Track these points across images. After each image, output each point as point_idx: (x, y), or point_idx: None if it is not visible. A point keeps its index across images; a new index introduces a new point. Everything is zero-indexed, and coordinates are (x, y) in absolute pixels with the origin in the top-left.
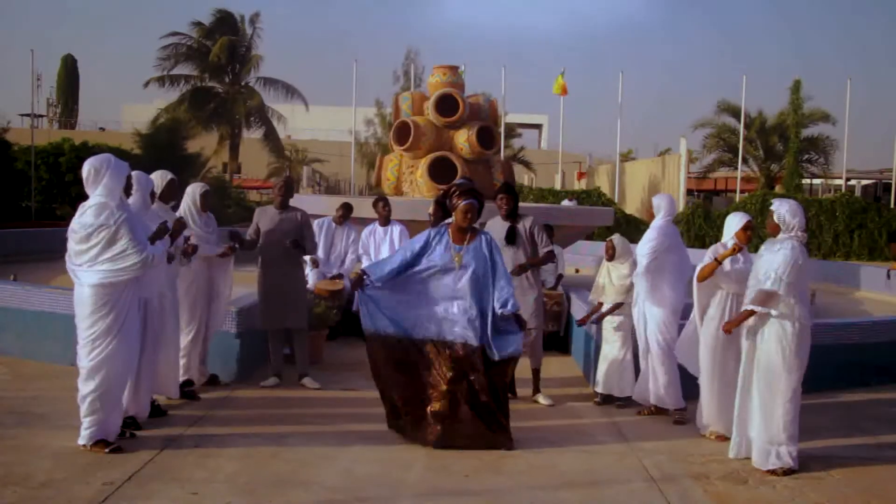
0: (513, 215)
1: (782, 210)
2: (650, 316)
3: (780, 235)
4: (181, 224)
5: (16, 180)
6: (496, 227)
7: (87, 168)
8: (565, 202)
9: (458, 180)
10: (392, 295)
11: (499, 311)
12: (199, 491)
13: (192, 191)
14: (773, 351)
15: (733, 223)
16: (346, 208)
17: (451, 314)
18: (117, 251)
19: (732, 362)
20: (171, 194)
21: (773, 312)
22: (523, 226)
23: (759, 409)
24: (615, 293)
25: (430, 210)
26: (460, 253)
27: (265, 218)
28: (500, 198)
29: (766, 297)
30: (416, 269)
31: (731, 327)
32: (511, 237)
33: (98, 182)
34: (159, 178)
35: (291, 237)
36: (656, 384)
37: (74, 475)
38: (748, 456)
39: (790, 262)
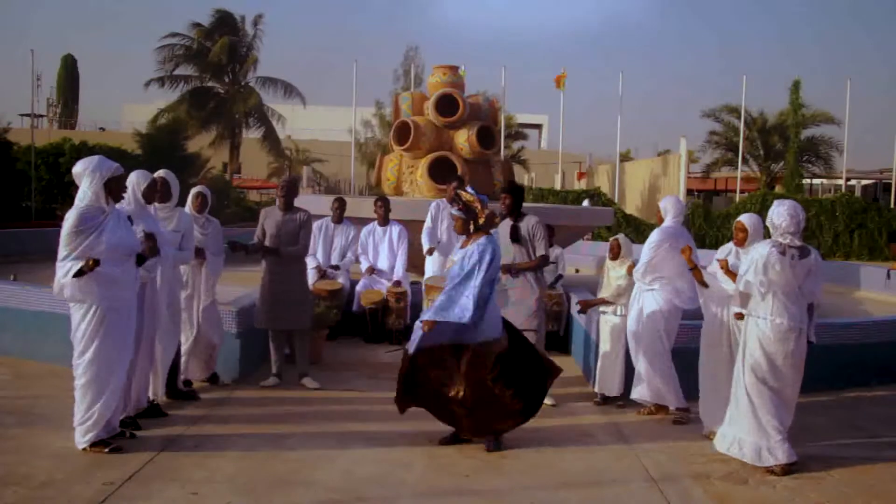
0: (515, 214)
1: (771, 213)
2: (649, 315)
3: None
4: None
5: (16, 180)
6: (503, 225)
7: (74, 172)
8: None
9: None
10: None
11: None
12: (199, 491)
13: (190, 194)
14: (753, 350)
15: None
16: (340, 202)
17: None
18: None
19: (722, 362)
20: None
21: (754, 313)
22: (527, 224)
23: (748, 407)
24: (609, 293)
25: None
26: None
27: (270, 219)
28: (502, 197)
29: (742, 298)
30: None
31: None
32: (515, 236)
33: (80, 186)
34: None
35: (295, 239)
36: (653, 382)
37: (74, 475)
38: (739, 455)
39: (753, 261)
